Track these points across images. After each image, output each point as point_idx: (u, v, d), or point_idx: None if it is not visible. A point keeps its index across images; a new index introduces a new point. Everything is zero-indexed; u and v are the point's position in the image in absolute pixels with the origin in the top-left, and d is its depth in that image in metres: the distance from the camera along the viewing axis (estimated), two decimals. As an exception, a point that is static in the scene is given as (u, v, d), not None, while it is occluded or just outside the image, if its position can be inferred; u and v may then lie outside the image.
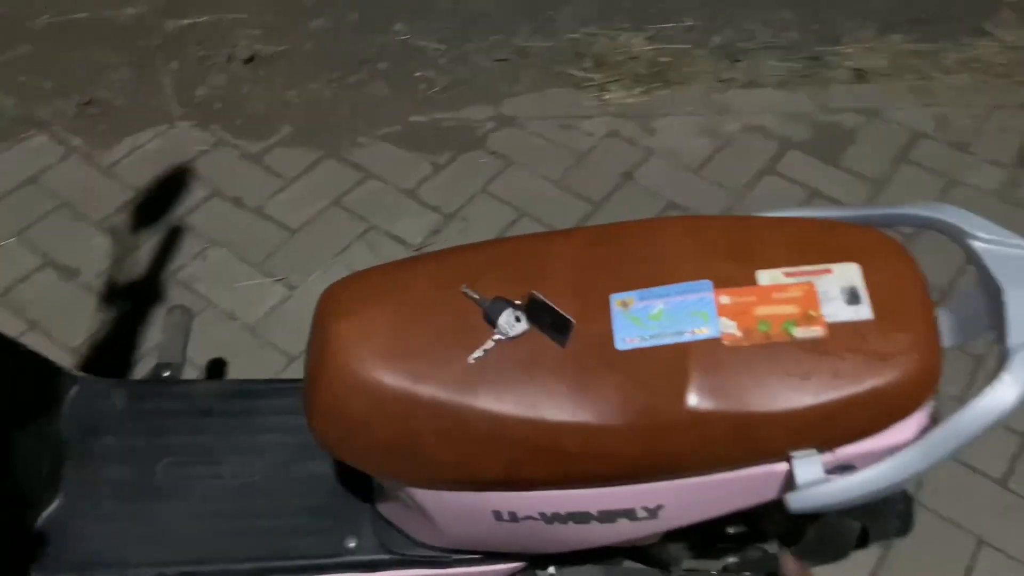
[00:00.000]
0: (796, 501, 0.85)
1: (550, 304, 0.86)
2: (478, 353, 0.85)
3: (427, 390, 0.84)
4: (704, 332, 0.83)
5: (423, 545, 1.10)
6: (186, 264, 1.94)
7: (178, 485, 1.18)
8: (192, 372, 1.73)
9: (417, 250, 1.97)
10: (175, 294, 1.88)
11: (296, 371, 1.74)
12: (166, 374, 1.34)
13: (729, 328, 0.83)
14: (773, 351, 0.82)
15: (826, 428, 0.82)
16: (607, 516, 0.93)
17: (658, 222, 0.93)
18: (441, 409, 0.84)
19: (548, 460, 0.85)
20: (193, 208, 2.05)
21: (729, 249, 0.88)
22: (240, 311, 1.86)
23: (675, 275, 0.87)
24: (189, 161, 2.14)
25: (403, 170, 2.13)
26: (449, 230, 2.01)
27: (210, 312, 1.86)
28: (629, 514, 0.92)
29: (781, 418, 0.81)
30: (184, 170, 2.12)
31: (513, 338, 0.85)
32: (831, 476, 0.84)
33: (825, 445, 0.84)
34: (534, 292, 0.87)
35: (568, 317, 0.85)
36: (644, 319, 0.85)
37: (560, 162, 2.15)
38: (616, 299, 0.86)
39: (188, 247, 1.97)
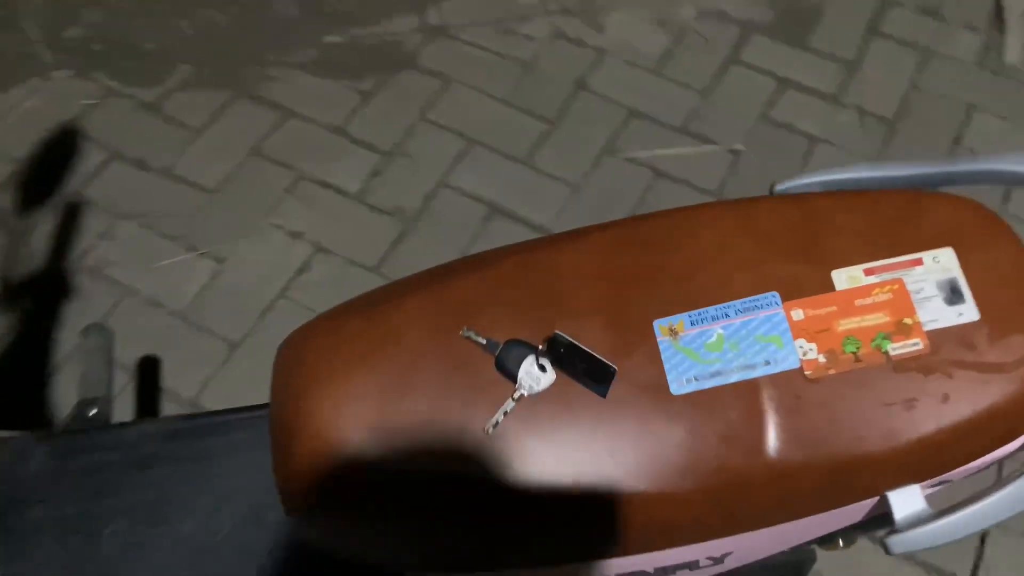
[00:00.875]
0: (899, 546, 0.70)
1: (581, 347, 0.68)
2: (497, 417, 0.67)
3: (440, 473, 0.66)
4: (779, 363, 0.66)
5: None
6: (93, 246, 1.68)
7: (131, 554, 0.99)
8: (121, 377, 1.51)
9: (357, 199, 1.74)
10: (86, 285, 1.62)
11: (240, 360, 1.53)
12: (92, 413, 1.13)
13: (810, 353, 0.66)
14: (865, 377, 0.66)
15: (934, 461, 0.68)
16: (666, 571, 0.78)
17: (694, 212, 0.74)
18: (460, 495, 0.66)
19: (598, 538, 0.69)
20: (90, 176, 1.76)
21: (791, 243, 0.70)
22: (165, 295, 1.62)
23: (730, 286, 0.69)
24: (76, 119, 1.84)
25: (326, 103, 1.87)
26: (392, 170, 1.77)
27: (130, 301, 1.61)
28: (691, 565, 0.78)
29: (882, 459, 0.65)
30: (72, 131, 1.81)
31: (538, 393, 0.67)
32: (935, 513, 0.70)
33: (929, 477, 0.70)
34: (558, 332, 0.68)
35: (607, 363, 0.67)
36: (700, 351, 0.67)
37: (504, 75, 1.91)
38: (661, 326, 0.68)
39: (92, 225, 1.70)
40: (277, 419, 0.72)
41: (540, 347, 0.68)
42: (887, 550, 0.71)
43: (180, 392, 1.52)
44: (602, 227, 0.75)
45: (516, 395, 0.67)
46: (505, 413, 0.67)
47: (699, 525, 0.69)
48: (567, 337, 0.68)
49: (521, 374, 0.67)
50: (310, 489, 0.69)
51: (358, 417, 0.68)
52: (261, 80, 1.91)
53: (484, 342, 0.69)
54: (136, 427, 1.08)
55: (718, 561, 0.78)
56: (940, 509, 0.71)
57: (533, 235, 1.69)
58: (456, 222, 1.70)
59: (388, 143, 1.81)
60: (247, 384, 1.50)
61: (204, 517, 1.01)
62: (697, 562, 0.77)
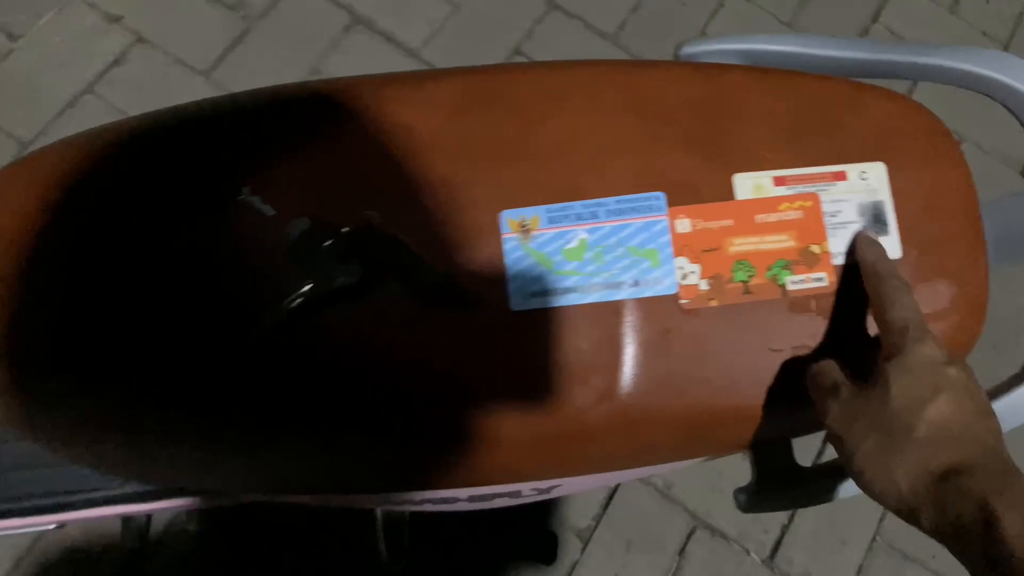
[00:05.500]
0: (752, 505, 0.60)
1: (401, 239, 0.50)
2: (266, 318, 0.50)
3: (189, 376, 0.50)
4: (651, 285, 0.51)
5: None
6: None
7: None
8: None
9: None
10: None
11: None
12: None
13: (691, 277, 0.52)
14: (754, 313, 0.52)
15: (814, 419, 0.56)
16: (481, 498, 0.66)
17: (567, 71, 0.56)
18: (220, 406, 0.50)
19: (394, 474, 0.54)
20: None
21: (689, 129, 0.54)
22: (-63, 70, 1.32)
23: (604, 177, 0.53)
24: None
25: None
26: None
27: None
28: (512, 495, 0.65)
29: (756, 414, 0.53)
30: None
31: (338, 291, 0.50)
32: (806, 473, 0.60)
33: (804, 434, 0.58)
34: (371, 214, 0.50)
35: (433, 268, 0.50)
36: (556, 258, 0.51)
37: None
38: (510, 219, 0.52)
39: None
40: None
41: (344, 231, 0.50)
42: (737, 505, 0.61)
43: (-50, 193, 1.26)
44: (441, 75, 0.56)
45: (306, 289, 0.50)
46: (288, 311, 0.49)
47: (527, 468, 0.55)
48: (383, 224, 0.50)
49: (314, 264, 0.50)
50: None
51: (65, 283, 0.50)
52: None
53: (270, 212, 0.50)
54: None
55: (544, 492, 0.65)
56: (812, 468, 0.60)
57: (399, 56, 1.46)
58: (309, 28, 1.44)
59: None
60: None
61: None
62: (519, 492, 0.64)
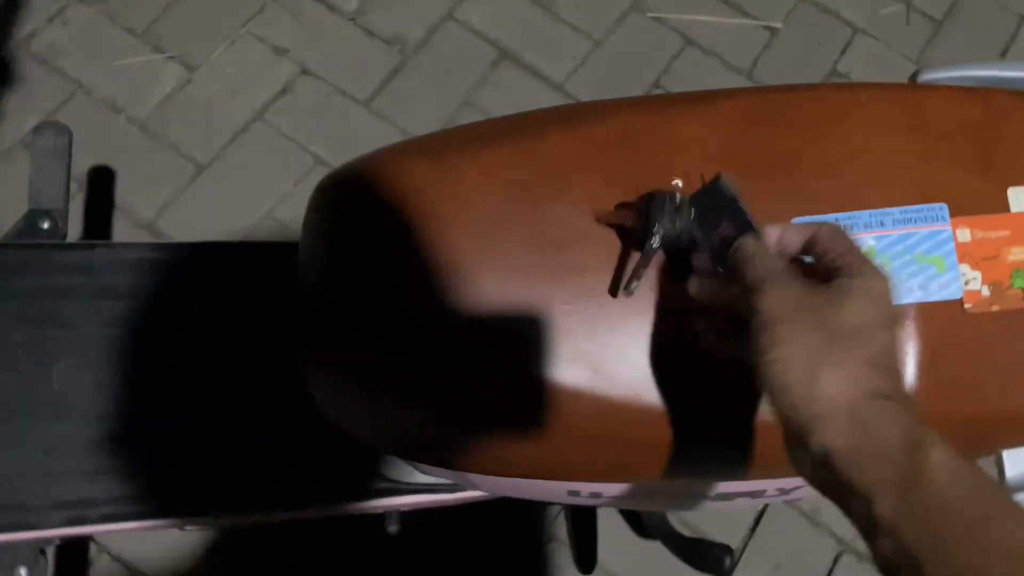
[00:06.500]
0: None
1: (739, 202, 0.51)
2: (634, 284, 0.53)
3: (504, 356, 0.54)
4: (937, 290, 0.55)
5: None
6: (40, 28, 1.44)
7: (85, 398, 0.85)
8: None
9: (352, 19, 1.52)
10: (29, 73, 1.40)
11: (206, 183, 1.35)
12: (45, 225, 0.96)
13: (972, 283, 0.55)
14: (1031, 319, 0.55)
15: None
16: (726, 496, 0.69)
17: (848, 92, 0.60)
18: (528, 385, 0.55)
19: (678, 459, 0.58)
20: (39, -56, 1.50)
21: (965, 147, 0.58)
22: (124, 99, 1.41)
23: (888, 189, 0.57)
24: None
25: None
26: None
27: (83, 99, 1.40)
28: (756, 494, 0.69)
29: (1030, 417, 0.56)
30: None
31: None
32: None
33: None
34: (724, 175, 0.52)
35: (755, 225, 0.51)
36: (845, 263, 0.55)
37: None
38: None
39: (41, 4, 1.46)
40: (317, 266, 0.58)
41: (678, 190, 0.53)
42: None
43: (136, 212, 1.34)
44: (729, 94, 0.61)
45: (656, 243, 0.52)
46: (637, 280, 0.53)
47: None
48: (730, 187, 0.52)
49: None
50: (344, 347, 0.56)
51: (412, 285, 0.55)
52: None
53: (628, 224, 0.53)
54: (98, 250, 0.92)
55: (785, 493, 0.69)
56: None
57: (544, 89, 1.52)
58: (460, 62, 1.51)
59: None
60: (213, 212, 1.33)
61: (171, 363, 0.88)
62: (764, 491, 0.68)
